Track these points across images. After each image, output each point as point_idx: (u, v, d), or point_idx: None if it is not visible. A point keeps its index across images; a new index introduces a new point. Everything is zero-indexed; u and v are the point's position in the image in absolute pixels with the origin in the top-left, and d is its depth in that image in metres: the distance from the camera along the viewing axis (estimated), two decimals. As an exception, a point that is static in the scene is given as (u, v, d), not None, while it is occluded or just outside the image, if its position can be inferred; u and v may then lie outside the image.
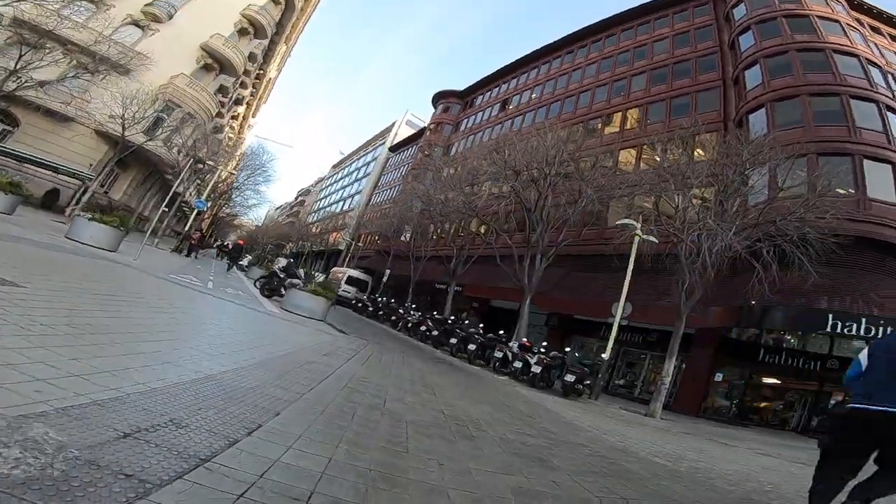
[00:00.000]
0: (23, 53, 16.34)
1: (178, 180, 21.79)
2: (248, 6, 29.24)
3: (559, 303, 20.71)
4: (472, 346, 13.77)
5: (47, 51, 16.56)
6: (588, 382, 11.60)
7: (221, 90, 31.98)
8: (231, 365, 3.89)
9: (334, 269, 34.37)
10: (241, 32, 30.05)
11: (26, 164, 20.64)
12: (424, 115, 55.83)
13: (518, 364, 12.25)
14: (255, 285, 15.52)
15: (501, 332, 15.24)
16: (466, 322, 16.68)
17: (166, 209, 39.37)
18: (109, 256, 10.27)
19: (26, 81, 18.55)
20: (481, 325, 15.95)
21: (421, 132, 51.33)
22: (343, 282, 28.01)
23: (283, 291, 13.37)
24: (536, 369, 11.43)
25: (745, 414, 14.89)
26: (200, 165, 24.61)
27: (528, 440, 4.45)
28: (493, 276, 23.89)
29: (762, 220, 12.69)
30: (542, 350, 12.50)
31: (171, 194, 23.94)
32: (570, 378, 10.79)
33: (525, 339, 14.05)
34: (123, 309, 4.87)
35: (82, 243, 10.99)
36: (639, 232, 14.08)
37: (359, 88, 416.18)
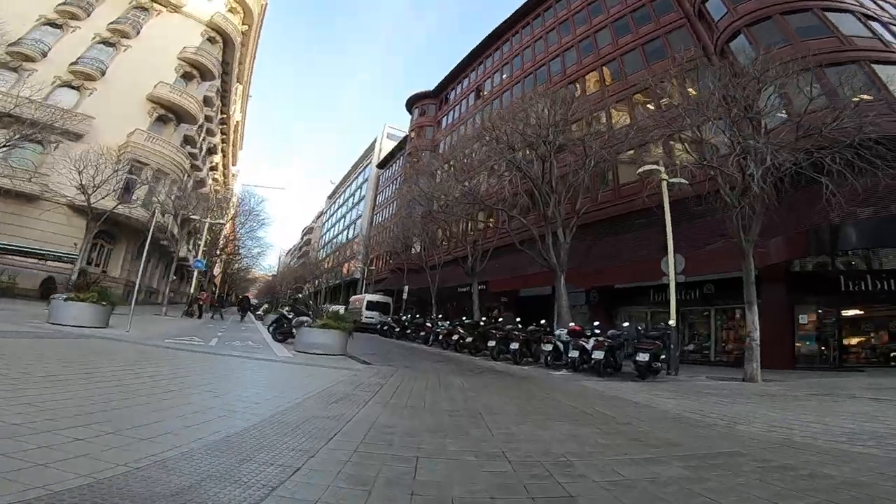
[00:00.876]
0: None
1: (176, 243, 20.88)
2: (182, 49, 28.12)
3: (594, 275, 18.93)
4: (514, 346, 12.13)
5: None
6: (663, 357, 9.86)
7: (187, 141, 31.08)
8: (191, 443, 2.50)
9: (353, 297, 33.07)
10: (186, 77, 28.94)
11: (10, 256, 19.78)
12: (402, 124, 55.46)
13: (573, 353, 10.59)
14: (270, 331, 14.23)
15: (543, 321, 13.58)
16: (501, 320, 15.07)
17: (175, 276, 39.12)
18: (96, 333, 9.00)
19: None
20: (518, 320, 14.29)
21: (404, 141, 50.36)
22: (364, 308, 26.66)
23: (294, 333, 12.00)
24: (598, 355, 9.75)
25: (844, 356, 12.86)
26: (190, 220, 23.53)
27: (660, 474, 2.83)
28: (517, 265, 22.27)
29: (803, 133, 10.99)
30: (597, 331, 10.80)
31: (174, 261, 23.03)
32: (643, 357, 9.09)
33: (573, 324, 12.35)
34: (78, 386, 3.47)
35: (66, 325, 9.79)
36: (665, 175, 12.50)
37: (332, 116, 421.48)
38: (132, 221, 25.07)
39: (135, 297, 11.33)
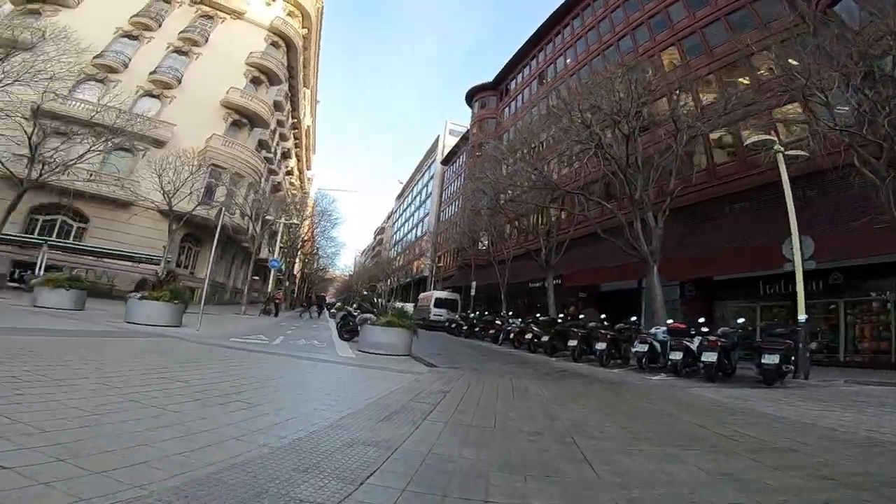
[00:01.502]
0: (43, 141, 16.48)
1: (254, 244, 21.73)
2: (249, 55, 29.12)
3: (689, 265, 16.63)
4: (600, 346, 10.62)
5: (79, 137, 16.87)
6: (793, 359, 7.94)
7: (262, 145, 32.43)
8: (201, 469, 1.64)
9: (421, 295, 32.77)
10: (255, 82, 30.02)
11: (106, 259, 21.54)
12: (464, 119, 55.14)
13: (675, 355, 8.93)
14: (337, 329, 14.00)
15: (634, 318, 11.90)
16: (582, 317, 13.51)
17: (257, 277, 41.55)
18: (165, 332, 9.03)
19: (71, 174, 19.34)
20: (603, 316, 12.68)
21: (466, 136, 49.55)
22: (431, 305, 26.12)
23: (359, 331, 11.52)
24: (710, 357, 8.05)
25: None
26: (269, 221, 24.42)
27: None
28: (596, 257, 20.39)
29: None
30: (704, 329, 9.05)
31: (252, 261, 24.09)
32: (771, 359, 7.33)
33: (671, 321, 10.60)
34: (87, 392, 2.93)
35: (140, 324, 10.03)
36: (779, 147, 10.45)
37: (391, 116, 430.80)
38: (213, 224, 26.64)
39: (204, 296, 11.50)
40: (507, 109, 41.50)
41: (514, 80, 40.99)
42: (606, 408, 5.47)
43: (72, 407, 2.86)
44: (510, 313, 19.41)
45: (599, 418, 4.72)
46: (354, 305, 13.68)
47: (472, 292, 26.43)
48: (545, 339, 13.08)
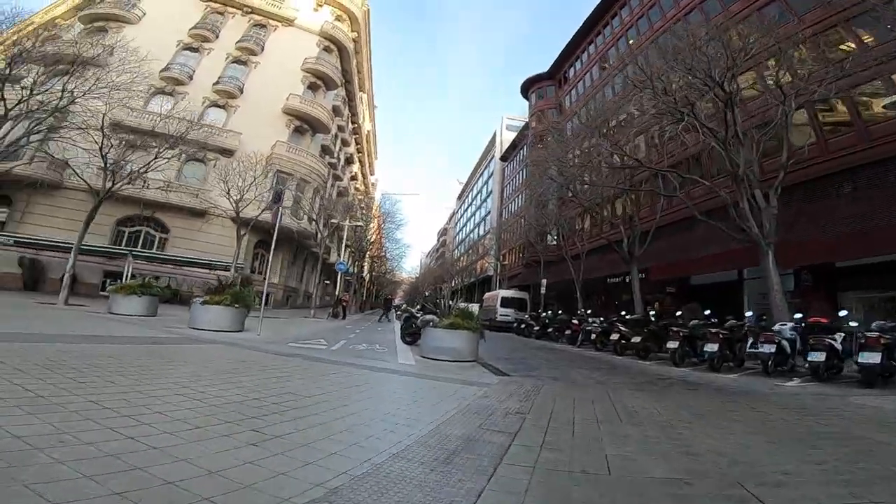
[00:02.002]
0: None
1: (321, 246, 21.85)
2: (304, 61, 29.54)
3: (805, 250, 13.92)
4: (710, 348, 8.77)
5: (153, 149, 17.63)
6: None
7: (325, 151, 32.95)
8: None
9: (486, 294, 31.51)
10: (312, 88, 30.46)
11: (184, 267, 22.57)
12: (520, 113, 53.62)
13: (817, 356, 6.99)
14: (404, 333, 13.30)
15: (749, 312, 9.88)
16: (679, 314, 11.56)
17: (328, 281, 42.70)
18: (223, 337, 8.68)
19: (149, 185, 20.44)
20: (707, 312, 10.69)
21: (525, 130, 47.65)
22: (498, 305, 24.80)
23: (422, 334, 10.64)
24: (872, 357, 6.14)
25: None
26: (335, 223, 24.53)
27: None
28: (686, 246, 18.01)
29: None
30: (852, 323, 7.01)
31: (319, 264, 24.31)
32: None
33: (800, 315, 8.52)
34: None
35: (202, 329, 9.86)
36: None
37: (445, 117, 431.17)
38: (283, 230, 27.34)
39: (264, 299, 11.05)
40: (567, 98, 39.42)
41: (573, 68, 38.91)
42: (759, 431, 3.95)
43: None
44: (588, 312, 17.60)
45: (762, 449, 3.25)
46: (417, 307, 12.81)
47: (543, 290, 24.73)
48: (636, 340, 11.32)
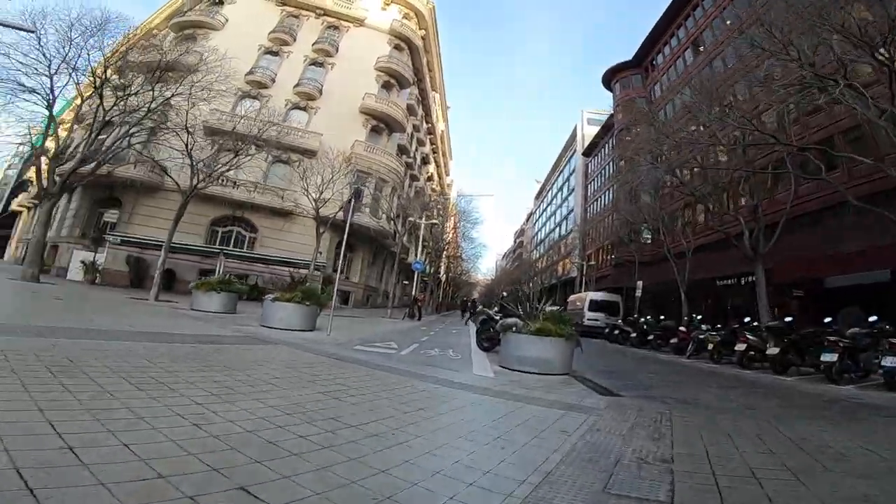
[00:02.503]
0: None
1: (398, 245, 21.50)
2: (376, 60, 29.65)
3: None
4: (892, 361, 6.43)
5: (247, 153, 18.20)
6: None
7: (401, 150, 32.82)
8: None
9: (571, 297, 29.14)
10: (386, 87, 30.49)
11: (271, 266, 23.28)
12: (602, 106, 50.91)
13: None
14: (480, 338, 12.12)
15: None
16: (828, 320, 8.99)
17: (406, 282, 42.86)
18: (289, 338, 8.09)
19: (236, 185, 21.20)
20: (874, 319, 8.14)
21: (610, 122, 44.31)
22: (586, 309, 22.59)
23: (501, 340, 9.32)
24: None
25: None
26: (412, 221, 24.11)
27: None
28: (825, 241, 14.73)
29: None
30: None
31: (395, 263, 24.02)
32: None
33: None
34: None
35: (273, 328, 9.44)
36: None
37: (520, 114, 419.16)
38: (363, 230, 27.53)
39: (334, 299, 10.41)
40: (656, 86, 36.25)
41: (661, 54, 36.06)
42: None
43: None
44: (697, 318, 15.00)
45: None
46: (495, 309, 11.49)
47: (638, 293, 22.05)
48: (773, 351, 8.98)
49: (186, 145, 14.56)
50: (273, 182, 26.17)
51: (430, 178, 47.25)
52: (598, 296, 23.14)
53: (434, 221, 28.11)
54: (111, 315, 8.58)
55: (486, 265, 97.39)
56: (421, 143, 42.78)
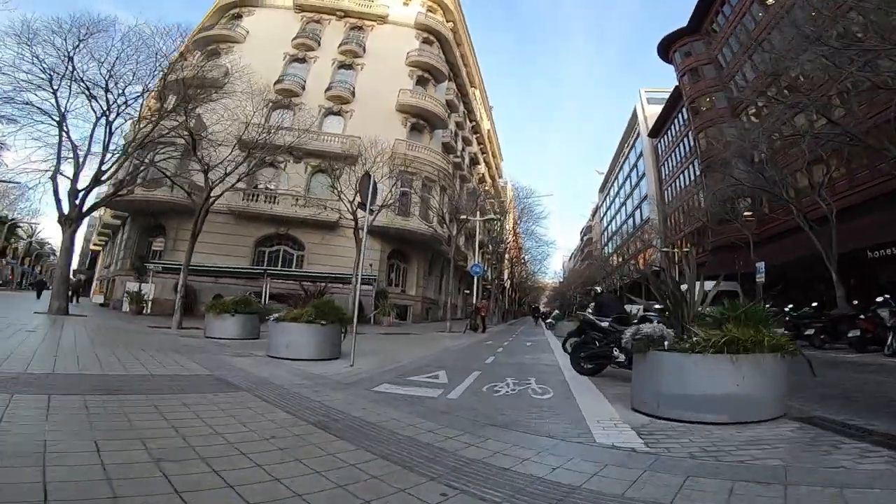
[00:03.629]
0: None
1: (452, 248, 18.58)
2: (407, 56, 27.76)
3: None
4: None
5: (283, 164, 16.33)
6: None
7: (447, 149, 30.11)
8: None
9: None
10: (421, 82, 28.40)
11: (319, 283, 21.18)
12: (661, 83, 46.11)
13: None
14: (566, 348, 8.67)
15: None
16: None
17: (467, 291, 39.71)
18: (288, 375, 5.27)
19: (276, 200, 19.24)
20: None
21: (676, 96, 39.62)
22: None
23: (617, 356, 5.86)
24: None
25: None
26: (463, 219, 21.05)
27: None
28: None
29: None
30: None
31: (451, 268, 21.06)
32: None
33: None
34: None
35: (279, 357, 6.77)
36: None
37: (569, 105, 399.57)
38: (415, 236, 24.89)
39: (355, 312, 7.49)
40: (723, 50, 31.67)
41: (721, 14, 32.08)
42: None
43: None
44: (884, 298, 10.30)
45: None
46: (590, 310, 8.00)
47: (760, 278, 17.18)
48: None
49: (194, 151, 12.58)
50: (315, 193, 24.45)
51: (482, 180, 44.12)
52: (709, 285, 18.41)
53: (491, 216, 24.83)
54: (79, 352, 6.22)
55: (552, 268, 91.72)
56: (467, 142, 39.94)
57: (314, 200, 23.77)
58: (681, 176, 40.49)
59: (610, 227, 73.06)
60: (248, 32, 27.15)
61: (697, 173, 34.91)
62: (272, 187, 23.97)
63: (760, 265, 17.55)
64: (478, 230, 22.15)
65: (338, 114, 26.28)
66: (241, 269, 21.02)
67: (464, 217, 20.52)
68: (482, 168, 46.87)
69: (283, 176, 24.25)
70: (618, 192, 68.82)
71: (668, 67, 39.87)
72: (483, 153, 49.37)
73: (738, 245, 24.41)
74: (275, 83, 24.63)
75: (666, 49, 37.93)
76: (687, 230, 35.85)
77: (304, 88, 26.18)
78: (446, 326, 18.05)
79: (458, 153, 34.78)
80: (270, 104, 24.64)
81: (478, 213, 22.92)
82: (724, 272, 22.15)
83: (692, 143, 36.68)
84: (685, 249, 31.33)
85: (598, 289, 8.29)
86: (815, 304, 12.22)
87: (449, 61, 32.74)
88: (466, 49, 38.57)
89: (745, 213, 20.61)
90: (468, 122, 41.54)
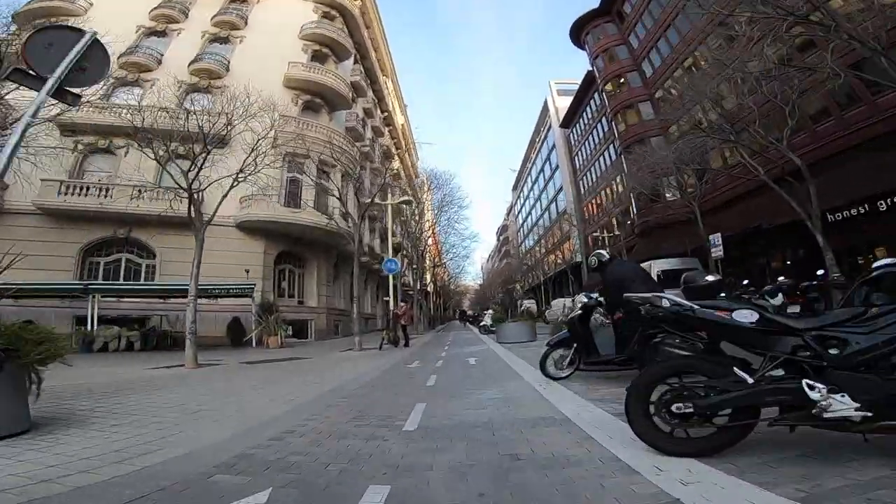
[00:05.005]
0: None
1: (356, 243, 13.97)
2: (301, 29, 23.33)
3: None
4: None
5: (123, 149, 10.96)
6: None
7: (353, 135, 25.47)
8: None
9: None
10: (318, 58, 23.89)
11: (174, 299, 15.63)
12: (569, 75, 46.79)
13: None
14: (547, 369, 4.69)
15: None
16: None
17: (387, 298, 34.96)
18: None
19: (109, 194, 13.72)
20: None
21: (588, 84, 38.98)
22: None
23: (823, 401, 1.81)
24: None
25: None
26: (367, 202, 16.40)
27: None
28: None
29: None
30: None
31: (355, 268, 16.35)
32: None
33: None
34: None
35: None
36: None
37: (483, 105, 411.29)
38: (312, 233, 19.75)
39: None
40: (635, 32, 31.27)
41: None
42: None
43: None
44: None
45: None
46: (583, 302, 4.13)
47: (717, 252, 14.94)
48: None
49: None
50: (170, 183, 18.38)
51: (397, 177, 39.88)
52: (669, 264, 15.65)
53: (406, 199, 20.57)
54: None
55: (472, 269, 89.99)
56: (378, 132, 35.45)
57: (170, 194, 17.82)
58: (597, 163, 39.74)
59: (526, 223, 72.65)
60: (91, 4, 20.51)
61: (614, 157, 33.95)
62: (106, 177, 17.58)
63: (716, 237, 15.32)
64: (389, 216, 17.69)
65: (206, 90, 20.44)
66: (53, 284, 14.56)
67: (368, 200, 15.98)
68: (397, 163, 42.49)
69: (122, 164, 17.92)
70: (532, 188, 68.50)
71: (577, 63, 39.48)
72: (398, 149, 45.13)
73: (672, 223, 22.84)
74: (121, 55, 18.48)
75: (578, 33, 36.87)
76: (604, 220, 34.74)
77: (160, 63, 20.44)
78: (355, 342, 13.33)
79: (368, 142, 30.10)
80: (114, 80, 18.42)
81: (389, 195, 18.52)
82: (653, 255, 20.32)
83: (607, 128, 35.89)
84: (612, 234, 29.66)
85: (605, 253, 4.19)
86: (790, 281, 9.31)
87: (356, 41, 28.35)
88: (377, 34, 34.46)
89: (690, 184, 18.51)
90: (379, 111, 37.07)
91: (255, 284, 16.44)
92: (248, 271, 16.97)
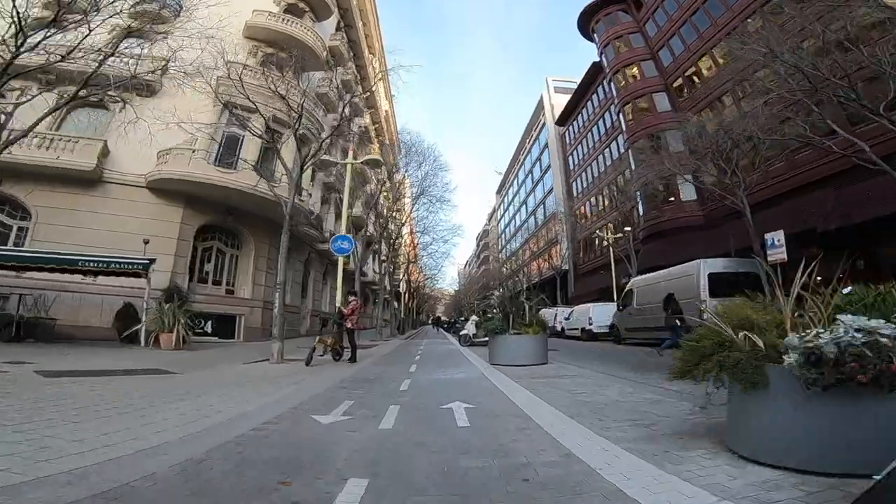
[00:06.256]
0: None
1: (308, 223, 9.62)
2: None
3: None
4: None
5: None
6: None
7: (324, 104, 21.09)
8: None
9: (636, 279, 16.62)
10: (293, 11, 19.63)
11: (56, 274, 11.05)
12: (567, 73, 44.04)
13: None
14: None
15: None
16: None
17: (351, 293, 30.46)
18: None
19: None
20: None
21: (591, 78, 36.69)
22: (703, 291, 11.21)
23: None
24: None
25: None
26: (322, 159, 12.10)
27: None
28: None
29: None
30: None
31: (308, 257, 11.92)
32: None
33: None
34: None
35: None
36: None
37: (474, 104, 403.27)
38: (251, 201, 15.17)
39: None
40: (653, 18, 28.51)
41: None
42: None
43: None
44: None
45: None
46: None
47: (779, 254, 11.20)
48: None
49: None
50: (71, 134, 13.69)
51: (366, 138, 35.46)
52: (721, 265, 11.67)
53: (372, 157, 16.26)
54: None
55: (449, 274, 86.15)
56: (357, 111, 30.86)
57: (64, 142, 13.07)
58: (596, 161, 36.39)
59: (509, 227, 69.08)
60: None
61: (620, 151, 30.55)
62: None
63: (775, 236, 11.57)
64: (347, 179, 13.29)
65: (143, 38, 15.60)
66: None
67: (314, 149, 11.62)
68: (376, 148, 37.97)
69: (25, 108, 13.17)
70: (517, 191, 65.17)
71: (572, 69, 36.45)
72: (379, 135, 40.61)
73: (682, 229, 19.34)
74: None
75: (588, 19, 33.76)
76: (602, 223, 31.19)
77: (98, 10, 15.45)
78: (272, 352, 8.88)
79: (341, 112, 25.54)
80: (30, 19, 13.53)
81: (350, 153, 14.19)
82: (663, 263, 16.59)
83: (612, 121, 32.56)
84: (616, 236, 25.92)
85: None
86: None
87: (342, 7, 24.20)
88: (367, 6, 30.39)
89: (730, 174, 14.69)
90: (361, 89, 32.56)
91: (153, 260, 11.76)
92: (146, 242, 12.30)
